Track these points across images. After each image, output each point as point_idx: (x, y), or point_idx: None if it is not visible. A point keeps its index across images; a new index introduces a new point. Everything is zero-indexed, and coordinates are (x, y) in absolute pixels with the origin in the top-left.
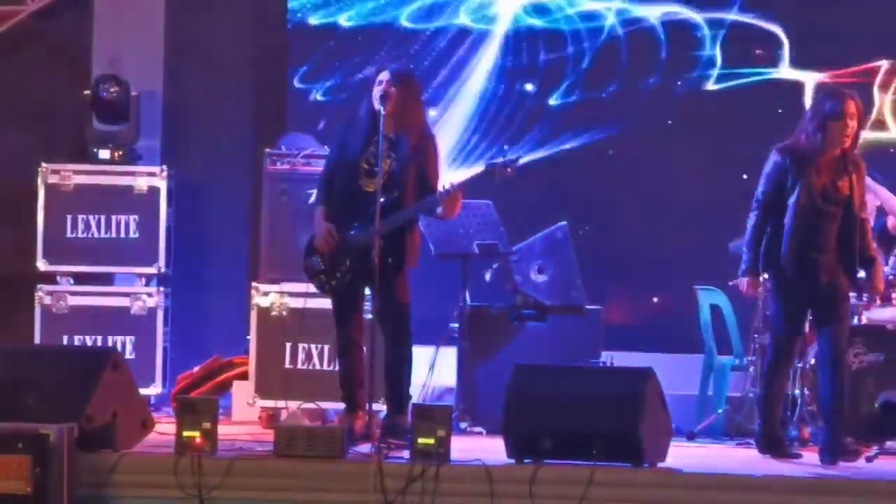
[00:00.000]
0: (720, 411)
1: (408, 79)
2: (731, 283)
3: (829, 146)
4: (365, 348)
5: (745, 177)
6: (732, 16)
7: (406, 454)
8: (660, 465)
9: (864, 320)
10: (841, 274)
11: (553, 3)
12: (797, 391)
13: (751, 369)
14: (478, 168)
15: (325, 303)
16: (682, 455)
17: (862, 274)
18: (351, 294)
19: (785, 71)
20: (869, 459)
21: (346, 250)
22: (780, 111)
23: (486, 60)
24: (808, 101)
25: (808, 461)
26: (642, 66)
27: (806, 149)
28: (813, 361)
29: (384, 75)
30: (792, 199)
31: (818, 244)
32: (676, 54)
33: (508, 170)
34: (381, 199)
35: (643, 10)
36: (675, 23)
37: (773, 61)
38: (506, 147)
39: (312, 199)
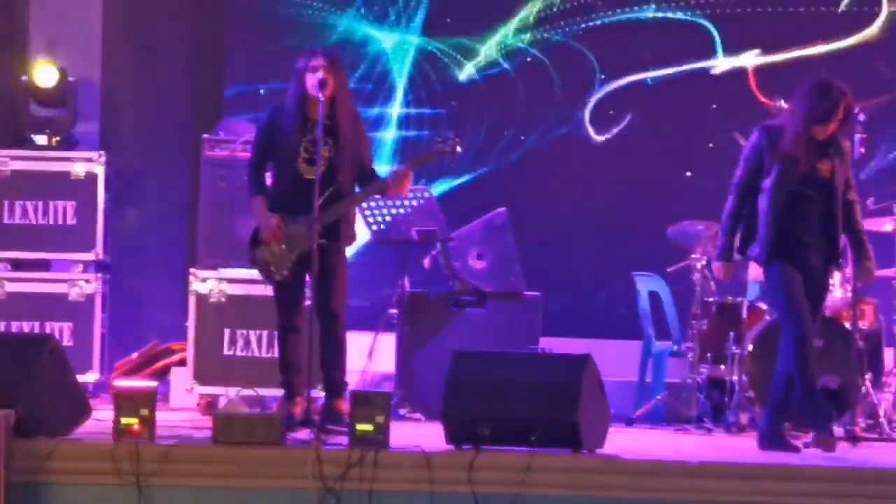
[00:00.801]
0: (658, 397)
1: (342, 64)
2: (669, 270)
3: (812, 138)
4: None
5: (688, 174)
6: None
7: (345, 440)
8: (598, 451)
9: None
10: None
11: None
12: (734, 377)
13: (689, 355)
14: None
15: (264, 289)
16: (621, 441)
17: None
18: (294, 282)
19: (721, 62)
20: (806, 446)
21: (293, 240)
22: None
23: None
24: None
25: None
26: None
27: (786, 133)
28: (751, 347)
29: (319, 61)
30: (768, 182)
31: (802, 227)
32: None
33: (457, 148)
34: (322, 186)
35: None
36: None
37: (706, 54)
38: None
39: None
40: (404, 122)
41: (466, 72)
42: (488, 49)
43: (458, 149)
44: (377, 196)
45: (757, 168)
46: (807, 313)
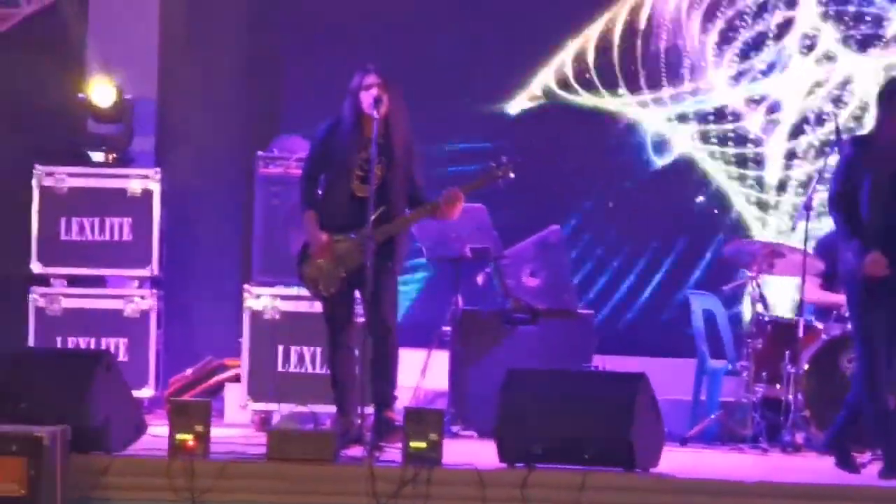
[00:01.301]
0: (713, 416)
1: (396, 81)
2: (724, 288)
3: None
4: (357, 351)
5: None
6: None
7: (398, 457)
8: (652, 469)
9: None
10: None
11: None
12: (789, 396)
13: (744, 374)
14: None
15: (318, 306)
16: (675, 460)
17: None
18: (344, 299)
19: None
20: (863, 465)
21: (342, 257)
22: None
23: None
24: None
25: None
26: None
27: (876, 140)
28: (807, 367)
29: (373, 79)
30: (864, 192)
31: None
32: None
33: (510, 174)
34: (375, 204)
35: None
36: None
37: None
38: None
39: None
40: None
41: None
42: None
43: (512, 174)
44: (431, 217)
45: (849, 180)
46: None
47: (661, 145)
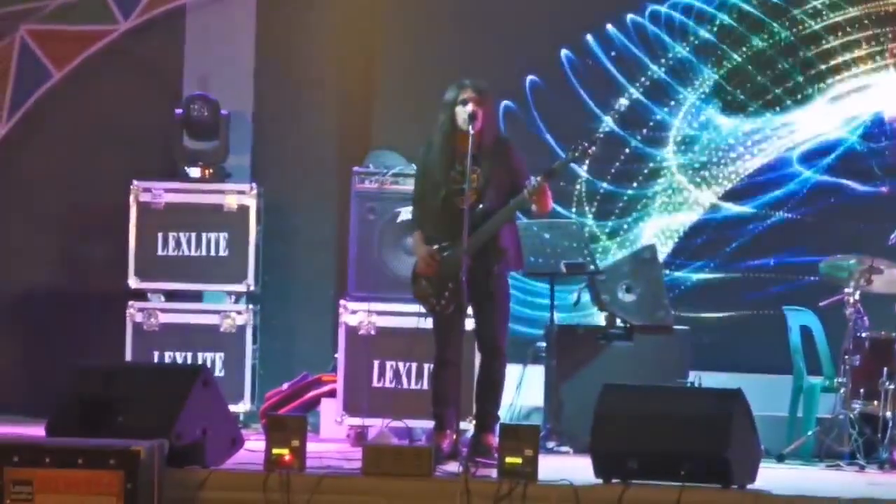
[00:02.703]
0: (810, 433)
1: (490, 94)
2: (821, 304)
3: None
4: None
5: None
6: None
7: (493, 473)
8: (749, 486)
9: None
10: None
11: None
12: (889, 412)
13: (841, 391)
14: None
15: (413, 321)
16: (772, 477)
17: None
18: (451, 313)
19: None
20: None
21: (447, 271)
22: None
23: None
24: None
25: None
26: None
27: None
28: None
29: (469, 93)
30: None
31: None
32: None
33: (590, 150)
34: (473, 216)
35: None
36: None
37: None
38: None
39: (404, 217)
40: None
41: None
42: None
43: (592, 149)
44: (523, 214)
45: None
46: None
47: None
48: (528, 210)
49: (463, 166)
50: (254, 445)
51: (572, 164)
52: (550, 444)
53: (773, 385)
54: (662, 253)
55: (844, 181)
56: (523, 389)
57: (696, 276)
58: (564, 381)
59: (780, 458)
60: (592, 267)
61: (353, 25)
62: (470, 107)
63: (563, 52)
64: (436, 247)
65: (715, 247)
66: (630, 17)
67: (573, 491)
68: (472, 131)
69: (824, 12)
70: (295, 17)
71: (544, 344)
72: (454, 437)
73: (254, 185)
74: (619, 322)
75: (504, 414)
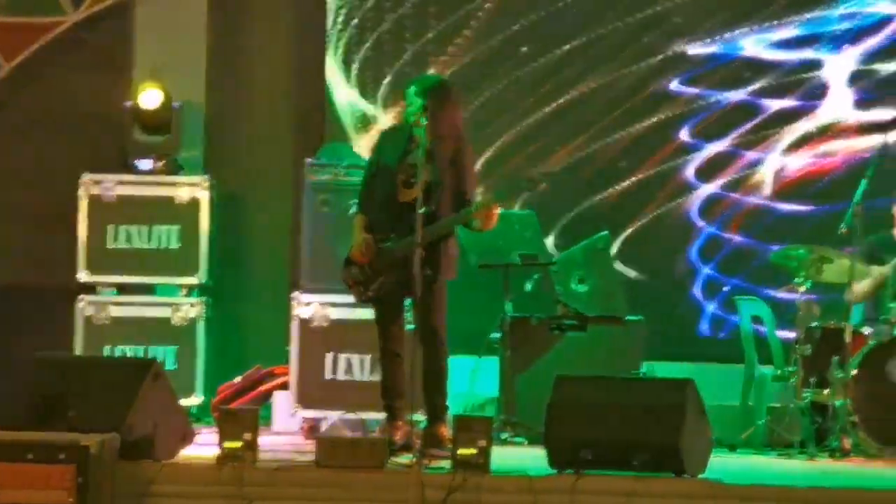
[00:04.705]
0: (761, 422)
1: (437, 88)
2: (772, 294)
3: None
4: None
5: None
6: None
7: (447, 464)
8: (700, 476)
9: None
10: None
11: None
12: (839, 401)
13: (792, 380)
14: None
15: (366, 313)
16: (723, 466)
17: None
18: (391, 305)
19: None
20: None
21: (383, 261)
22: None
23: None
24: None
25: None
26: None
27: None
28: (855, 372)
29: (422, 86)
30: None
31: None
32: None
33: (541, 185)
34: (419, 211)
35: None
36: None
37: None
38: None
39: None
40: None
41: None
42: None
43: (543, 185)
44: (464, 226)
45: None
46: None
47: None
48: (470, 225)
49: (414, 160)
50: (206, 439)
51: None
52: (504, 435)
53: (725, 374)
54: None
55: None
56: (477, 381)
57: None
58: (518, 372)
59: (732, 448)
60: (546, 258)
61: (304, 16)
62: (422, 98)
63: None
64: (381, 242)
65: None
66: None
67: (527, 481)
68: (422, 123)
69: None
70: (247, 7)
71: (498, 335)
72: (407, 428)
73: (206, 177)
74: (573, 313)
75: (458, 405)
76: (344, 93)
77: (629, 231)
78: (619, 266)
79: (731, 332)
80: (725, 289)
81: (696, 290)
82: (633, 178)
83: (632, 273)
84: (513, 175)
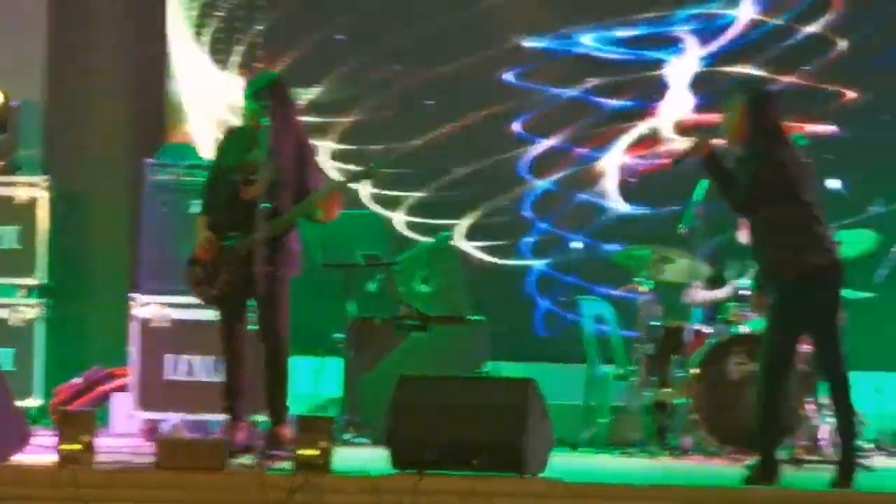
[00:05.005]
0: (603, 421)
1: (273, 86)
2: (614, 293)
3: None
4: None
5: None
6: None
7: (289, 465)
8: (542, 475)
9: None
10: None
11: None
12: (680, 400)
13: (633, 379)
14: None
15: (207, 314)
16: (565, 465)
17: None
18: (234, 304)
19: None
20: (750, 468)
21: (225, 260)
22: None
23: None
24: None
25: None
26: None
27: None
28: (695, 371)
29: (262, 84)
30: None
31: None
32: None
33: (378, 170)
34: (261, 207)
35: None
36: None
37: None
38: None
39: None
40: None
41: None
42: None
43: (378, 170)
44: (307, 219)
45: None
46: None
47: None
48: (314, 216)
49: (255, 158)
50: (44, 441)
51: None
52: (348, 436)
53: (568, 374)
54: None
55: None
56: (321, 381)
57: None
58: (362, 372)
59: (574, 447)
60: (390, 258)
61: (146, 13)
62: (263, 96)
63: None
64: (224, 241)
65: None
66: None
67: (369, 481)
68: (264, 122)
69: None
70: (88, 4)
71: (342, 335)
72: (249, 429)
73: (45, 177)
74: (416, 313)
75: (301, 406)
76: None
77: (464, 223)
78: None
79: (574, 332)
80: (578, 295)
81: (532, 288)
82: (468, 169)
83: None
84: (351, 163)
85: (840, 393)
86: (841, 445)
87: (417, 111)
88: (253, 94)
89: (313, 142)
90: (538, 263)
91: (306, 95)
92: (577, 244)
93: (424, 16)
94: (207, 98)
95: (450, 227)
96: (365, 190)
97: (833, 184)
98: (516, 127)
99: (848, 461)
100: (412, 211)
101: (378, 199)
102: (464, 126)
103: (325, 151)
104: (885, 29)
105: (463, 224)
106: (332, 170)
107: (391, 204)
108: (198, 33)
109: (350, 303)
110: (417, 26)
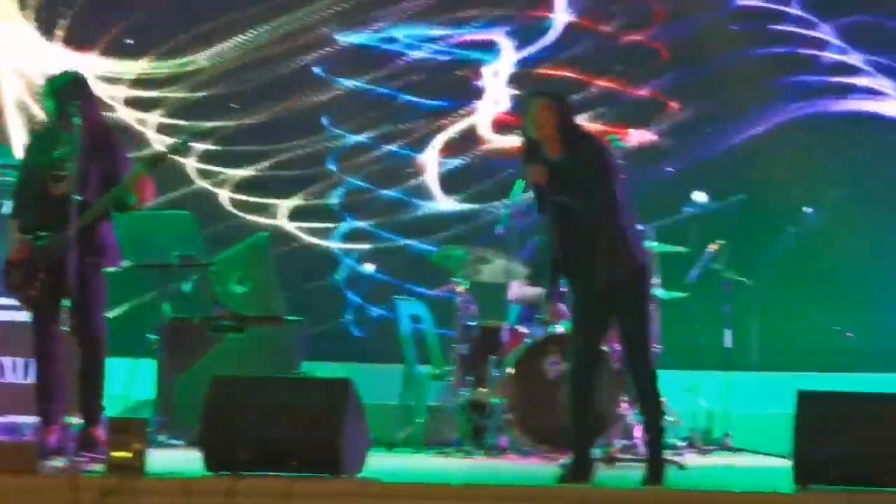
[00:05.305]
0: (420, 421)
1: (72, 84)
2: (431, 294)
3: None
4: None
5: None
6: None
7: (101, 468)
8: (358, 475)
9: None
10: None
11: None
12: (496, 399)
13: (450, 379)
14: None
15: (20, 315)
16: (382, 464)
17: None
18: (49, 305)
19: None
20: (564, 467)
21: (39, 260)
22: None
23: None
24: None
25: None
26: None
27: None
28: (511, 370)
29: (68, 79)
30: None
31: None
32: None
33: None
34: (72, 204)
35: None
36: None
37: None
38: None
39: (7, 210)
40: None
41: None
42: None
43: (189, 144)
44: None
45: None
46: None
47: None
48: (127, 202)
49: (63, 155)
50: None
51: None
52: (162, 438)
53: (384, 374)
54: None
55: None
56: (135, 383)
57: None
58: (177, 373)
59: (391, 447)
60: (205, 258)
61: None
62: (71, 92)
63: None
64: (30, 237)
65: None
66: None
67: (182, 484)
68: (73, 118)
69: None
70: None
71: (156, 337)
72: (62, 431)
73: None
74: (232, 314)
75: (115, 408)
76: None
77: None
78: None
79: (391, 332)
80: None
81: (344, 286)
82: (275, 160)
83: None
84: (159, 144)
85: (647, 391)
86: (649, 443)
87: (238, 91)
88: (52, 92)
89: (121, 128)
90: (349, 260)
91: (132, 68)
92: (369, 265)
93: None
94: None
95: (273, 207)
96: (191, 164)
97: (699, 197)
98: (325, 120)
99: (657, 459)
100: (238, 189)
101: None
102: (286, 108)
103: (152, 125)
104: (703, 43)
105: (284, 205)
106: (160, 143)
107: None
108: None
109: (165, 304)
110: (230, 12)
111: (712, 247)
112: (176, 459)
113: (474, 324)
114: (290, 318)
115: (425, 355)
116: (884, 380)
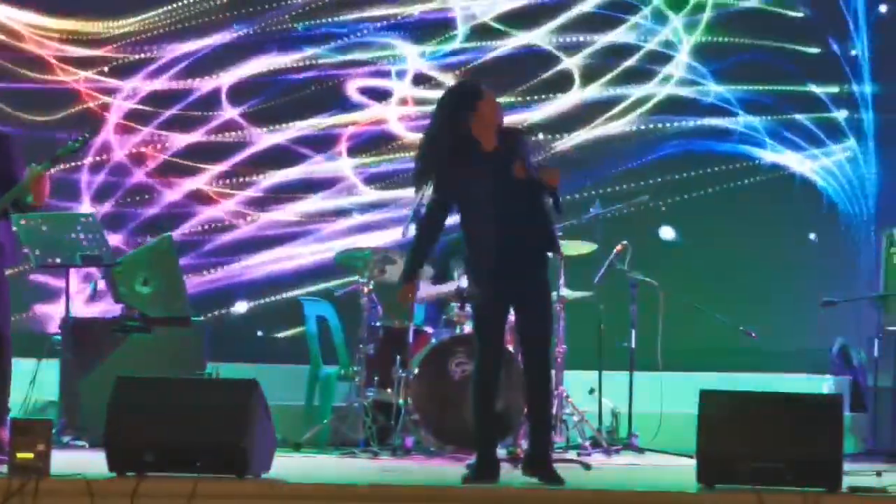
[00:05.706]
0: (326, 421)
1: None
2: (336, 294)
3: None
4: None
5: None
6: None
7: (4, 469)
8: (264, 475)
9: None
10: None
11: None
12: (401, 400)
13: (356, 379)
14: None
15: None
16: (288, 465)
17: None
18: None
19: None
20: (469, 467)
21: None
22: None
23: None
24: None
25: (422, 469)
26: None
27: None
28: (417, 371)
29: None
30: None
31: None
32: None
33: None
34: None
35: None
36: None
37: None
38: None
39: None
40: None
41: None
42: None
43: (88, 138)
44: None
45: None
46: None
47: None
48: (25, 202)
49: None
50: None
51: None
52: (66, 439)
53: (290, 374)
54: None
55: None
56: (38, 384)
57: None
58: (81, 374)
59: (297, 447)
60: (110, 259)
61: None
62: None
63: None
64: None
65: None
66: None
67: (86, 485)
68: None
69: None
70: None
71: (60, 337)
72: None
73: None
74: (137, 314)
75: (18, 409)
76: None
77: None
78: None
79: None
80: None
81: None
82: None
83: None
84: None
85: (538, 392)
86: (530, 438)
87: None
88: None
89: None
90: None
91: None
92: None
93: None
94: None
95: None
96: None
97: (667, 234)
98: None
99: (542, 455)
100: None
101: None
102: None
103: None
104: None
105: None
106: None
107: None
108: None
109: (68, 303)
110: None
111: (618, 248)
112: (80, 461)
113: (379, 324)
114: (195, 318)
115: (331, 356)
116: (784, 380)
